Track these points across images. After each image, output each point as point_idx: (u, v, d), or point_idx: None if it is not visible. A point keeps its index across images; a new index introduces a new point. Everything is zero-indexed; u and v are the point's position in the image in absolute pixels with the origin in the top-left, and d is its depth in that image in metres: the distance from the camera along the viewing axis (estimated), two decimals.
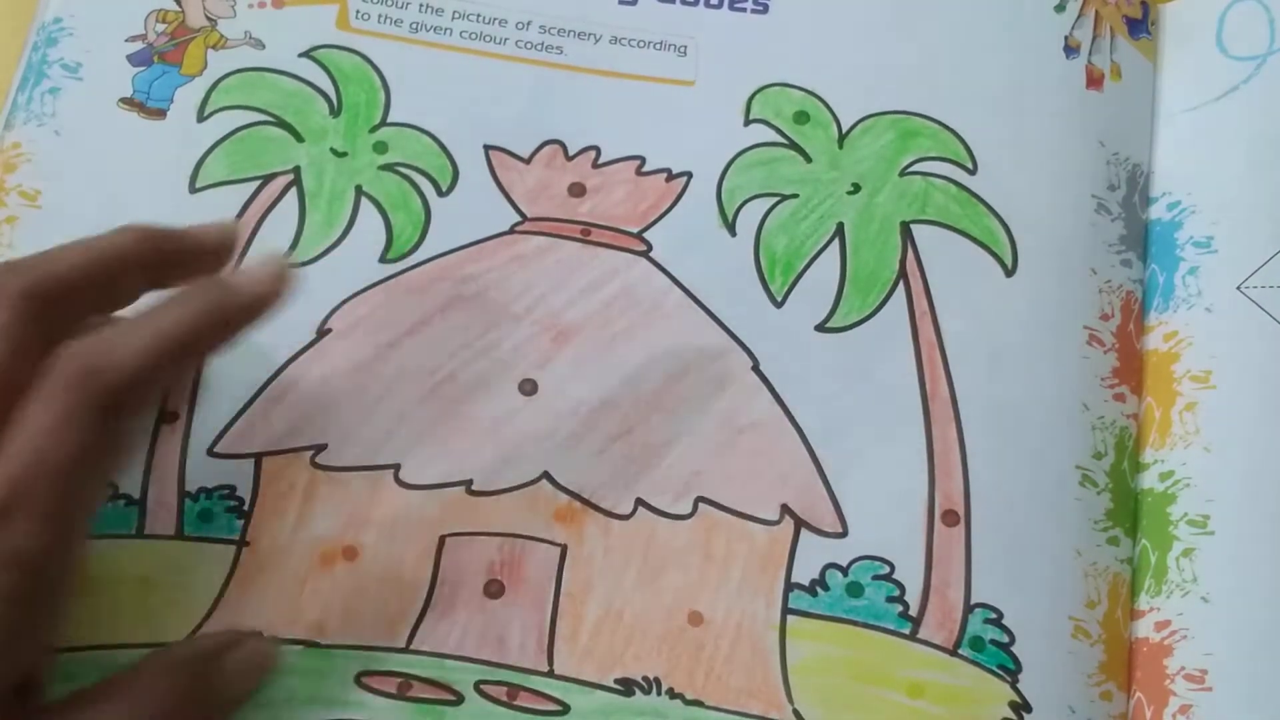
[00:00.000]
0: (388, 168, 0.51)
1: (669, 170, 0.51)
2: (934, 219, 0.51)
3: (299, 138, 0.51)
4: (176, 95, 0.51)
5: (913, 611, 0.46)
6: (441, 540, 0.46)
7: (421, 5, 0.53)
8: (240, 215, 0.50)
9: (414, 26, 0.53)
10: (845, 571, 0.46)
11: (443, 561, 0.45)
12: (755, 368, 0.49)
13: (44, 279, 0.39)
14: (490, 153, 0.51)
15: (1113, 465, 0.48)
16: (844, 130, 0.52)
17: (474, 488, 0.46)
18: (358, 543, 0.46)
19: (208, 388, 0.47)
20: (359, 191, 0.50)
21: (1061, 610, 0.46)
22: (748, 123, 0.52)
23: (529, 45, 0.53)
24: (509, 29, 0.53)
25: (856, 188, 0.51)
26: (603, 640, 0.45)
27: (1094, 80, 0.53)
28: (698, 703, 0.44)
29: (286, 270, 0.43)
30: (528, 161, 0.51)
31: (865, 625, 0.46)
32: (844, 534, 0.47)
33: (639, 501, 0.47)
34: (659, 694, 0.45)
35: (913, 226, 0.51)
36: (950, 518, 0.47)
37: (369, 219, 0.50)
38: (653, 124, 0.52)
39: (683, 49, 0.53)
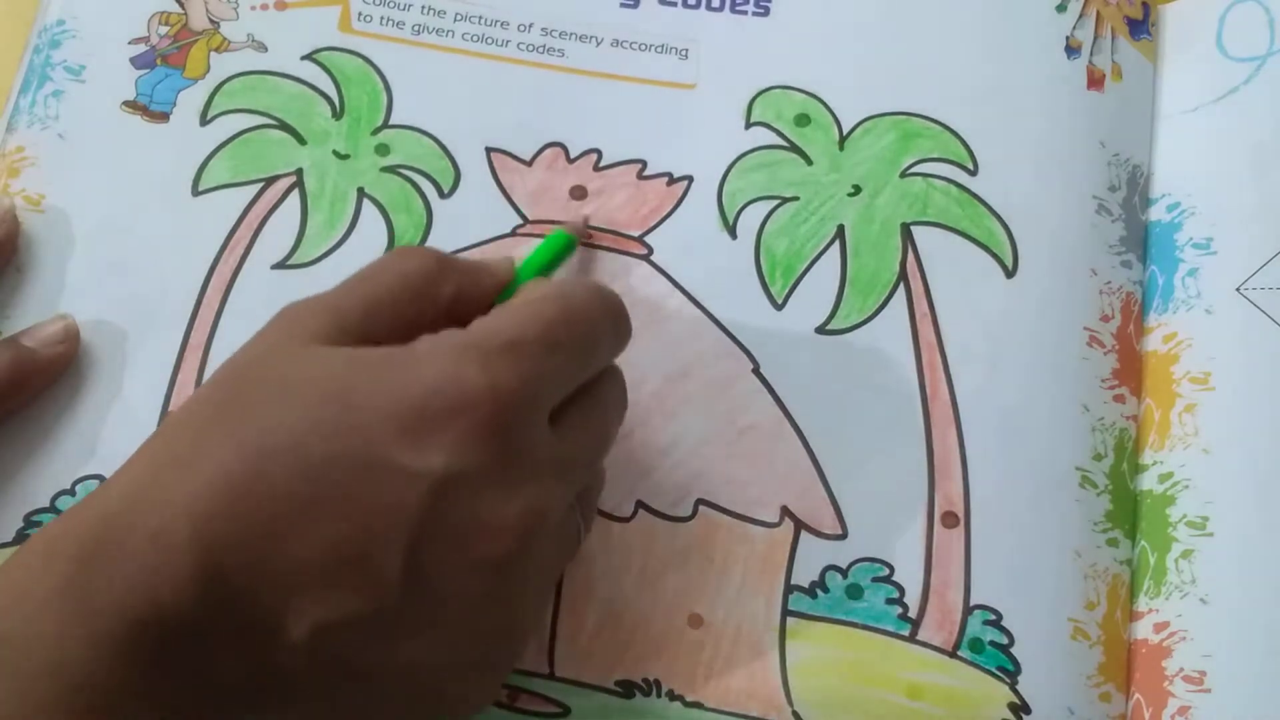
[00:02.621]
0: (390, 170, 0.51)
1: (670, 174, 0.51)
2: (935, 220, 0.51)
3: (301, 140, 0.51)
4: (179, 98, 0.51)
5: (912, 613, 0.46)
6: None
7: (423, 7, 0.53)
8: (243, 217, 0.50)
9: (416, 29, 0.53)
10: (845, 573, 0.46)
11: None
12: (756, 370, 0.49)
13: None
14: (492, 155, 0.51)
15: (1112, 467, 0.48)
16: (845, 132, 0.52)
17: None
18: None
19: None
20: (361, 193, 0.51)
21: (1061, 612, 0.46)
22: (749, 125, 0.52)
23: (531, 48, 0.53)
24: (511, 31, 0.53)
25: (857, 190, 0.51)
26: (603, 642, 0.45)
27: (1095, 81, 0.53)
28: (697, 704, 0.45)
29: (74, 328, 0.47)
30: (529, 164, 0.51)
31: (865, 627, 0.46)
32: (844, 536, 0.47)
33: (639, 504, 0.47)
34: (659, 696, 0.45)
35: (913, 228, 0.51)
36: (950, 519, 0.47)
37: (371, 221, 0.50)
38: (654, 127, 0.52)
39: (684, 52, 0.53)
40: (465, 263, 0.42)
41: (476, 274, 0.42)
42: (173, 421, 0.37)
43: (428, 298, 0.40)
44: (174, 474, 0.35)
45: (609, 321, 0.41)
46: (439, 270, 0.41)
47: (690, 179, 0.51)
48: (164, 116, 0.51)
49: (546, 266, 0.47)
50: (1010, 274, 0.50)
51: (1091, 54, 0.53)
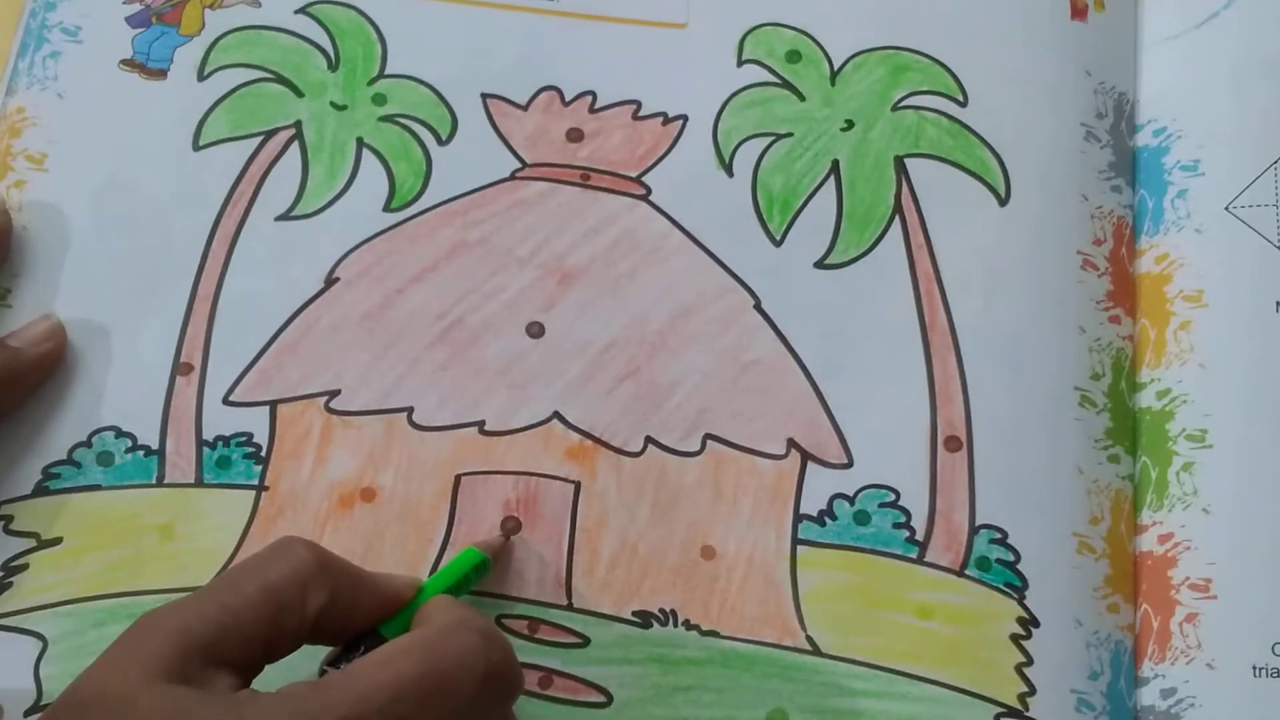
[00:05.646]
0: (388, 119, 0.51)
1: (665, 113, 0.52)
2: (927, 152, 0.51)
3: (299, 93, 0.51)
4: (176, 55, 0.52)
5: (919, 536, 0.47)
6: (457, 479, 0.46)
7: None
8: (244, 171, 0.50)
9: None
10: (852, 501, 0.47)
11: (459, 499, 0.46)
12: (757, 306, 0.49)
13: None
14: (488, 101, 0.52)
15: (1110, 385, 0.49)
16: (836, 67, 0.53)
17: (486, 428, 0.47)
18: (375, 484, 0.46)
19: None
20: (360, 143, 0.51)
21: (1065, 527, 0.47)
22: (741, 63, 0.52)
23: None
24: None
25: (850, 124, 0.52)
26: (619, 574, 0.46)
27: (1079, 11, 0.54)
28: (713, 633, 0.45)
29: (59, 327, 0.47)
30: (525, 108, 0.52)
31: (873, 551, 0.47)
32: (849, 464, 0.48)
33: (648, 439, 0.48)
34: (675, 625, 0.45)
35: (906, 161, 0.51)
36: (953, 443, 0.48)
37: (371, 170, 0.50)
38: (647, 67, 0.52)
39: None
40: (350, 574, 0.40)
41: (358, 587, 0.40)
42: None
43: (292, 610, 0.38)
44: None
45: (487, 685, 0.37)
46: (310, 580, 0.38)
47: (685, 118, 0.52)
48: (162, 74, 0.51)
49: (455, 587, 0.43)
50: (1003, 202, 0.51)
51: None
